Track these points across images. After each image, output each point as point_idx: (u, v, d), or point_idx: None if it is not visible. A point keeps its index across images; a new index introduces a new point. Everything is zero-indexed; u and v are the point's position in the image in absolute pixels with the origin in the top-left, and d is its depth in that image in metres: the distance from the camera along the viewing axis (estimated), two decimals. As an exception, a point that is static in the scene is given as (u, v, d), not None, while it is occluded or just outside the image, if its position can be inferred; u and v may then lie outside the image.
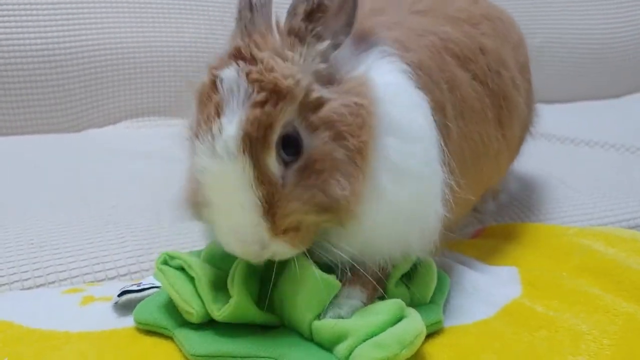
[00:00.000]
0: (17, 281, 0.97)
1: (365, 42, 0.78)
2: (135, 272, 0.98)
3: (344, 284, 0.74)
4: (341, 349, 0.68)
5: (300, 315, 0.73)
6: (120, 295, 0.82)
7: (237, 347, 0.70)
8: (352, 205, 0.69)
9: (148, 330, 0.77)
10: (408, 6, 0.96)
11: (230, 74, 0.68)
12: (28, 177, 1.39)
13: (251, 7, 0.73)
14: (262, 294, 0.76)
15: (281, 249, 0.70)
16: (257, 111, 0.66)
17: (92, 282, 0.96)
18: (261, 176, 0.67)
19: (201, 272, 0.76)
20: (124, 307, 0.82)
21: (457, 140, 0.84)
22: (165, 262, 0.80)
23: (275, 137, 0.67)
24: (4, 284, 0.95)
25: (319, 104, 0.70)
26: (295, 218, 0.69)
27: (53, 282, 0.95)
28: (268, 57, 0.69)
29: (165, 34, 1.86)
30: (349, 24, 0.74)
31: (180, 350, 0.73)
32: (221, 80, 0.68)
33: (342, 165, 0.69)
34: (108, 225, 1.12)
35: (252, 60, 0.69)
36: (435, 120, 0.77)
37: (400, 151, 0.72)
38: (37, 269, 0.98)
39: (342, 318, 0.72)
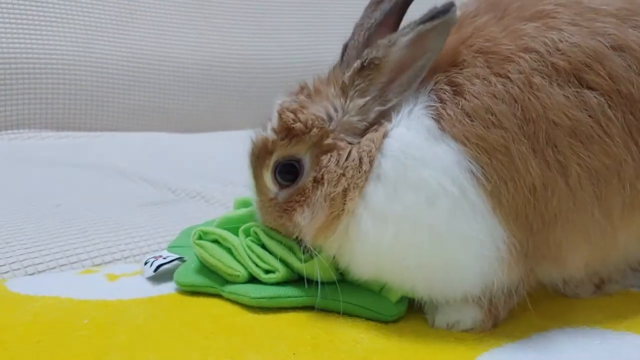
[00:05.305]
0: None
1: (422, 84, 0.80)
2: (127, 257, 1.06)
3: None
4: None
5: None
6: (156, 270, 0.91)
7: (290, 291, 0.85)
8: (309, 236, 0.81)
9: (192, 292, 0.88)
10: (514, 9, 0.82)
11: (278, 101, 0.85)
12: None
13: (344, 50, 0.85)
14: None
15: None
16: (263, 138, 0.83)
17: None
18: (260, 187, 0.85)
19: (236, 243, 0.89)
20: (156, 278, 0.91)
21: (541, 179, 0.76)
22: (200, 238, 0.91)
23: (272, 162, 0.83)
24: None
25: (328, 149, 0.81)
26: (275, 224, 0.86)
27: (54, 268, 0.99)
28: (306, 99, 0.83)
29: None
30: (407, 85, 0.79)
31: (235, 303, 0.85)
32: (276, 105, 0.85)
33: (315, 203, 0.80)
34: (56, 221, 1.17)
35: (300, 95, 0.84)
36: (477, 171, 0.75)
37: (384, 198, 0.77)
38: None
39: None
